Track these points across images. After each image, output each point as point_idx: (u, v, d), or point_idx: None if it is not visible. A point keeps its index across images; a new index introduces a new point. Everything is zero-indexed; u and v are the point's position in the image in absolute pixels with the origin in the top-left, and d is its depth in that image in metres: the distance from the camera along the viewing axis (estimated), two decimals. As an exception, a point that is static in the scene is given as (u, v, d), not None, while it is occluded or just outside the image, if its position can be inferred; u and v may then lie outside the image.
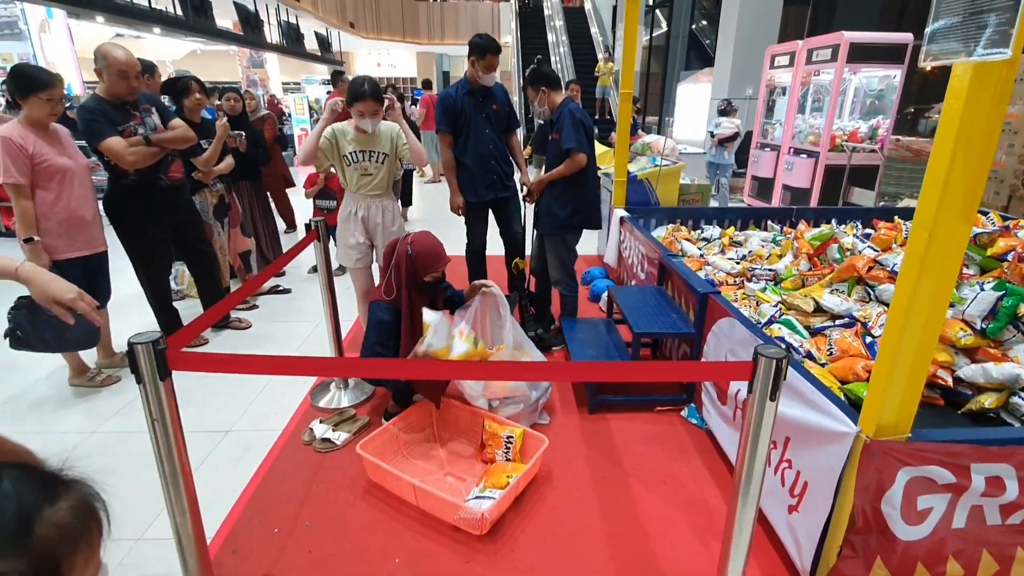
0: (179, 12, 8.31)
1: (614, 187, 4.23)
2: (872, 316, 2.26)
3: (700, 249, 3.53)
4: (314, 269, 4.53)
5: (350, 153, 2.59)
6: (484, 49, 2.97)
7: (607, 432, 2.37)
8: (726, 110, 6.66)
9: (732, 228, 4.01)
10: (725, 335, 2.15)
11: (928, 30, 1.08)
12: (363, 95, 2.46)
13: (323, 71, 16.72)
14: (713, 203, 6.95)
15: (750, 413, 1.09)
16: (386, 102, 2.58)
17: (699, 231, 4.01)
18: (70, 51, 8.86)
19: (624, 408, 2.50)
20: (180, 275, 4.01)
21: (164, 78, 3.56)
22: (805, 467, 1.57)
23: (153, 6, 8.22)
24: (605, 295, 3.64)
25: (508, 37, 17.17)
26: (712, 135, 6.65)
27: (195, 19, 8.45)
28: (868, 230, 3.44)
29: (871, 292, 2.46)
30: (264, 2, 11.25)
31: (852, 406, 1.90)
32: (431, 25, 19.56)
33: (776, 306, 2.56)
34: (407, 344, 2.24)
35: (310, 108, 11.33)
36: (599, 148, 5.71)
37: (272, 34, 11.76)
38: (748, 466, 1.12)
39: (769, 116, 7.58)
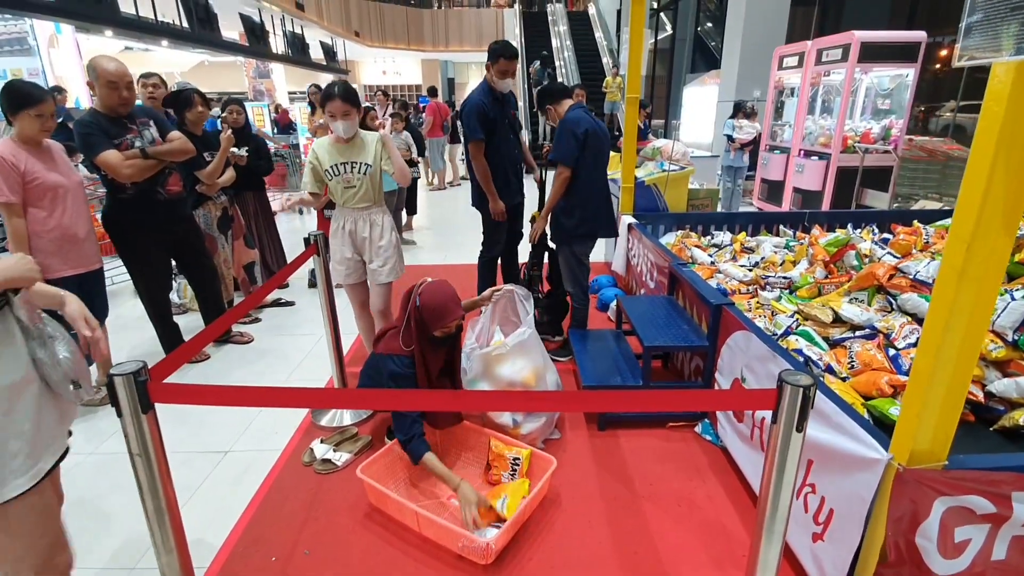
0: (185, 24, 8.34)
1: (621, 193, 4.14)
2: (895, 327, 2.16)
3: (711, 256, 3.44)
4: (313, 283, 4.44)
5: (331, 166, 2.47)
6: (496, 53, 2.99)
7: (618, 450, 2.27)
8: (747, 112, 6.54)
9: (743, 233, 3.92)
10: (740, 349, 2.05)
11: (963, 24, 0.99)
12: (331, 95, 2.36)
13: (328, 80, 16.75)
14: (730, 207, 6.85)
15: (774, 444, 1.00)
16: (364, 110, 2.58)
17: (709, 237, 3.92)
18: (79, 65, 8.92)
19: (635, 424, 2.40)
20: (182, 289, 3.97)
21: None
22: (830, 493, 1.48)
23: (160, 19, 8.26)
24: (614, 304, 3.55)
25: (512, 43, 17.15)
26: (730, 138, 6.54)
27: (201, 31, 8.47)
28: (886, 234, 3.33)
29: (893, 301, 2.36)
30: (269, 13, 11.30)
31: (877, 424, 1.81)
32: (436, 32, 19.59)
33: (792, 316, 2.46)
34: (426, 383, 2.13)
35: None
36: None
37: (278, 44, 11.80)
38: (773, 500, 1.03)
39: (778, 118, 7.46)
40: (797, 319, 2.44)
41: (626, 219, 3.97)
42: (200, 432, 2.47)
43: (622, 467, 2.17)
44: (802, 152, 6.60)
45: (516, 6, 18.19)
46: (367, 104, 6.09)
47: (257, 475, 2.20)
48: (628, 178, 4.07)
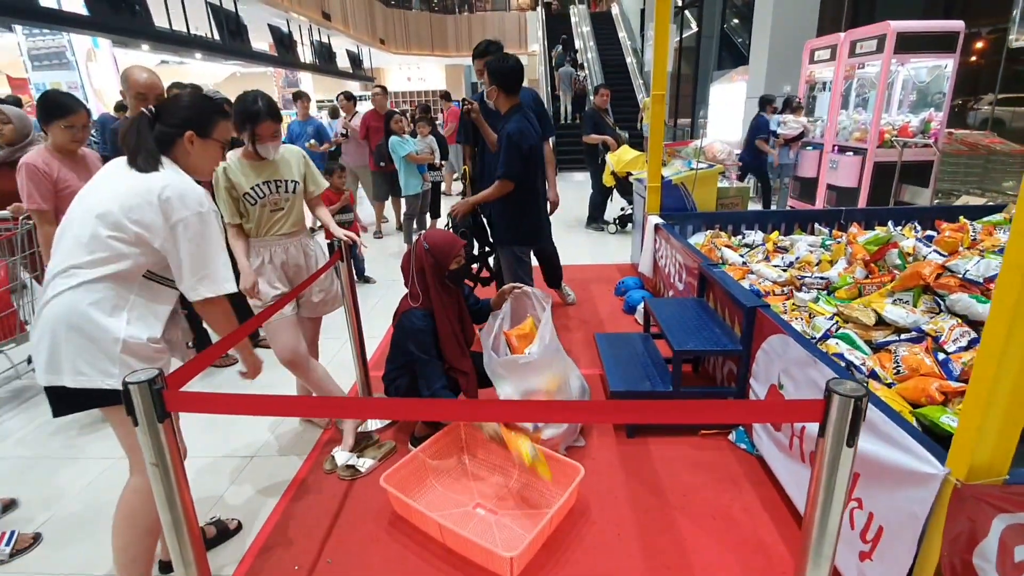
0: (217, 37, 8.56)
1: (647, 193, 4.05)
2: (944, 329, 2.03)
3: (742, 256, 3.32)
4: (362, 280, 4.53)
5: (252, 188, 2.08)
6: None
7: (647, 458, 2.19)
8: (793, 107, 6.37)
9: (776, 233, 3.78)
10: (777, 353, 1.95)
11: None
12: (258, 115, 2.01)
13: (355, 87, 17.04)
14: (772, 205, 6.68)
15: (821, 459, 0.93)
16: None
17: (740, 236, 3.79)
18: (116, 78, 9.25)
19: (665, 431, 2.32)
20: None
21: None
22: (879, 509, 1.38)
23: (193, 32, 8.50)
24: (641, 307, 3.47)
25: (535, 45, 17.15)
26: (775, 135, 6.36)
27: (232, 43, 8.69)
28: (929, 231, 3.16)
29: (941, 302, 2.22)
30: (297, 23, 11.53)
31: (927, 433, 1.69)
32: (459, 37, 19.73)
33: (832, 319, 2.33)
34: (449, 342, 2.20)
35: (331, 117, 11.54)
36: (630, 153, 5.55)
37: (305, 54, 12.03)
38: (821, 521, 0.95)
39: (810, 113, 7.23)
40: (836, 321, 2.31)
41: (653, 219, 3.88)
42: (227, 437, 2.48)
43: (652, 477, 2.09)
44: (836, 148, 6.38)
45: (539, 9, 18.17)
46: (394, 110, 6.12)
47: (282, 481, 2.19)
48: (655, 177, 3.98)
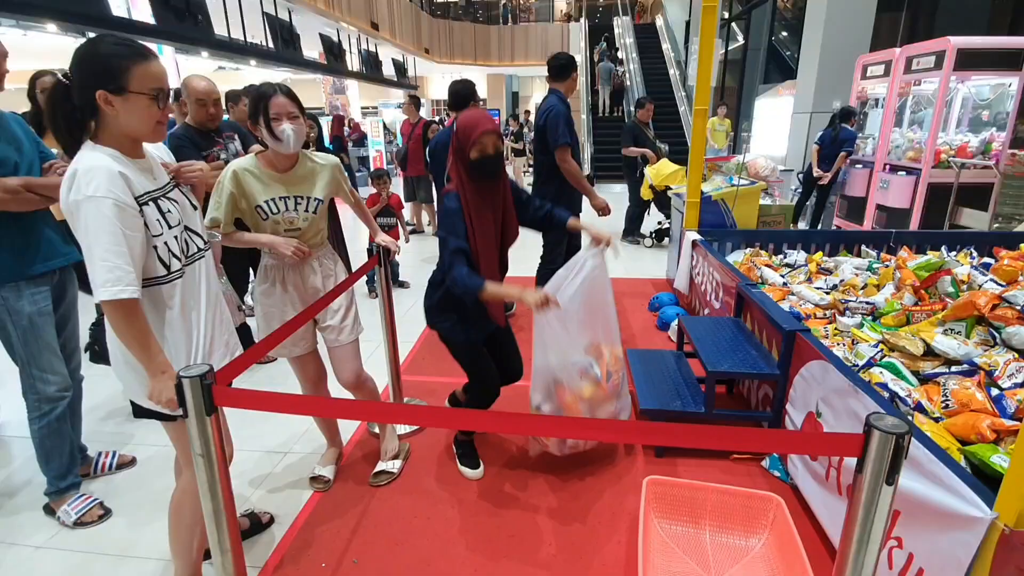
0: (271, 45, 8.93)
1: (686, 208, 4.01)
2: (999, 364, 1.93)
3: (783, 277, 3.24)
4: (372, 291, 4.62)
5: (265, 202, 1.82)
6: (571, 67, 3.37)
7: (676, 479, 2.16)
8: (849, 123, 6.21)
9: (819, 253, 3.66)
10: (816, 380, 1.90)
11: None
12: (270, 91, 1.77)
13: (399, 95, 17.43)
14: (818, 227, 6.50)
15: (859, 497, 0.90)
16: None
17: (781, 256, 3.69)
18: (177, 82, 9.76)
19: (696, 453, 2.28)
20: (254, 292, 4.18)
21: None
22: (920, 551, 1.32)
23: (249, 41, 8.89)
24: (675, 324, 3.42)
25: (577, 56, 17.17)
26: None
27: (285, 51, 9.04)
28: (986, 259, 3.02)
29: (996, 335, 2.11)
30: (347, 33, 11.90)
31: (975, 472, 1.61)
32: (502, 47, 19.95)
33: (876, 346, 2.25)
34: (477, 241, 1.91)
35: (385, 129, 11.88)
36: (669, 167, 5.49)
37: (353, 62, 12.39)
38: (855, 560, 0.92)
39: (861, 130, 7.00)
40: (881, 349, 2.23)
41: (690, 235, 3.83)
42: (262, 433, 2.57)
43: (680, 498, 2.05)
44: (887, 167, 6.15)
45: (583, 20, 18.23)
46: (434, 119, 6.25)
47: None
48: (694, 193, 3.93)
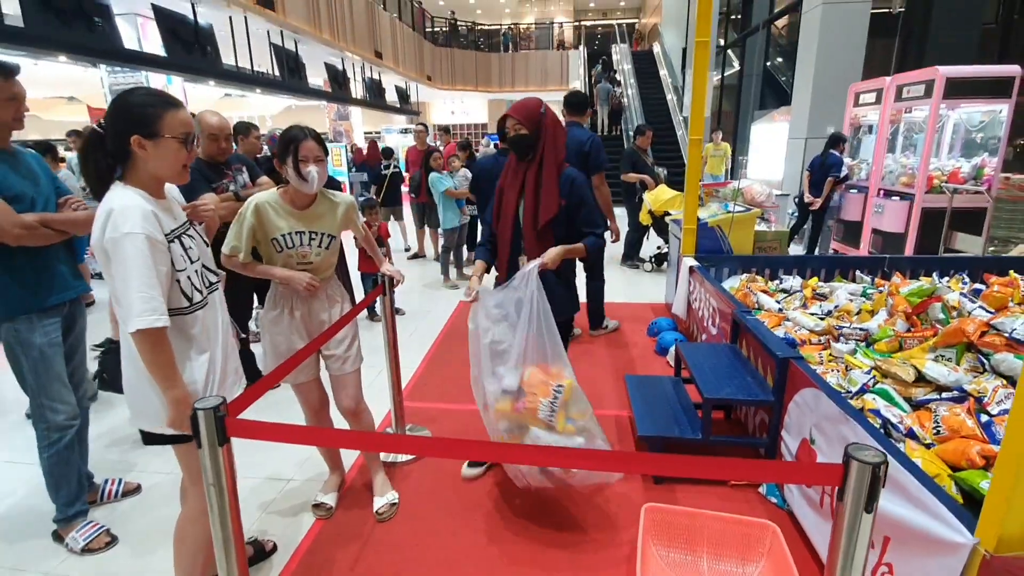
0: (277, 74, 9.18)
1: (683, 234, 4.09)
2: (988, 390, 1.97)
3: (779, 303, 3.29)
4: (373, 316, 4.67)
5: (283, 236, 1.91)
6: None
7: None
8: (837, 149, 6.35)
9: (815, 279, 3.73)
10: (809, 407, 1.94)
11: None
12: (300, 135, 1.87)
13: (401, 121, 17.78)
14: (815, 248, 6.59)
15: (840, 524, 0.95)
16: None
17: (777, 282, 3.76)
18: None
19: (693, 479, 2.30)
20: (260, 319, 4.25)
21: (263, 132, 3.88)
22: (910, 576, 1.35)
23: (256, 70, 9.14)
24: (673, 349, 3.46)
25: (576, 82, 17.54)
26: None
27: (290, 79, 9.28)
28: (977, 285, 3.07)
29: (985, 361, 2.16)
30: (351, 61, 12.21)
31: (966, 499, 1.65)
32: (502, 74, 20.39)
33: (869, 372, 2.30)
34: (495, 212, 2.29)
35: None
36: (667, 192, 5.60)
37: (357, 89, 12.68)
38: (839, 586, 0.96)
39: (854, 155, 7.14)
40: (874, 375, 2.28)
41: (687, 261, 3.90)
42: (266, 460, 2.60)
43: (679, 524, 2.08)
44: (882, 192, 6.26)
45: (581, 47, 18.66)
46: (434, 147, 6.39)
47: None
48: (691, 219, 4.02)
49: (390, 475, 2.41)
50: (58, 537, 2.07)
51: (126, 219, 1.30)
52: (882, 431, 1.90)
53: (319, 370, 2.18)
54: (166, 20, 6.41)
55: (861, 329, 2.72)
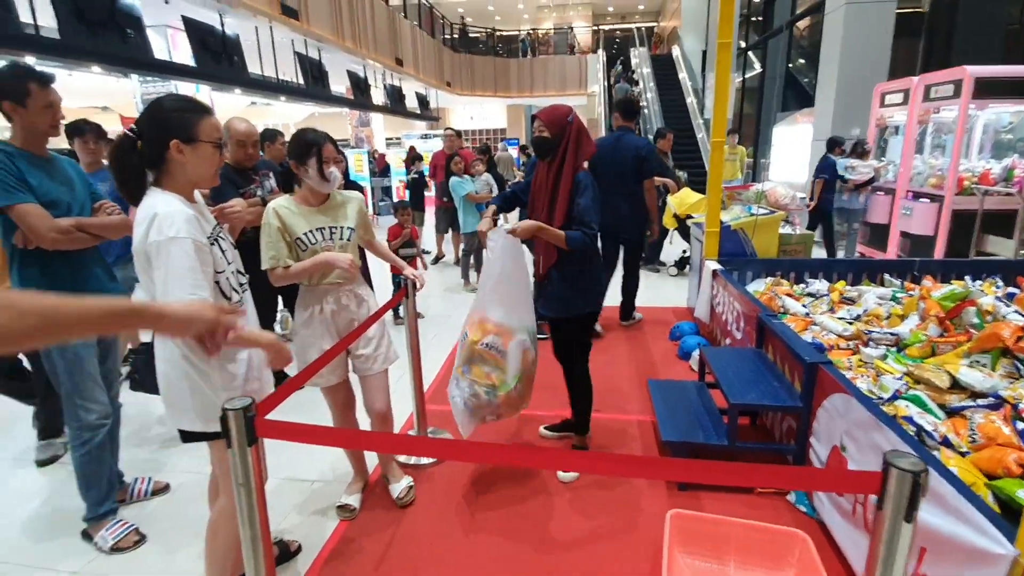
0: (301, 81, 9.34)
1: (705, 237, 4.04)
2: (1025, 397, 1.91)
3: (805, 307, 3.23)
4: (398, 318, 4.71)
5: (305, 234, 1.96)
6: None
7: (699, 512, 2.15)
8: (859, 152, 6.24)
9: (842, 282, 3.65)
10: (839, 413, 1.90)
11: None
12: (321, 139, 1.95)
13: (421, 126, 17.95)
14: (840, 253, 6.47)
15: (879, 533, 0.92)
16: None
17: (803, 285, 3.69)
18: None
19: (719, 486, 2.26)
20: (285, 320, 4.31)
21: (287, 139, 3.94)
22: (949, 589, 1.31)
23: (280, 78, 9.31)
24: (696, 354, 3.42)
25: (595, 87, 17.52)
26: (843, 179, 6.23)
27: (314, 87, 9.43)
28: (1012, 288, 2.98)
29: (1021, 367, 2.09)
30: (372, 69, 12.37)
31: (1003, 508, 1.59)
32: (521, 79, 20.45)
33: (901, 378, 2.24)
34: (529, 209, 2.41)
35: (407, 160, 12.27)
36: (693, 196, 5.55)
37: (378, 96, 12.83)
38: (877, 597, 0.93)
39: (880, 157, 6.99)
40: (906, 382, 2.22)
41: (711, 264, 3.85)
42: (294, 460, 2.63)
43: (704, 532, 2.04)
44: (910, 194, 6.11)
45: (600, 51, 18.64)
46: (456, 152, 6.42)
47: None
48: (713, 222, 3.97)
49: (415, 475, 2.43)
50: (87, 536, 2.12)
51: (172, 223, 1.33)
52: (916, 438, 1.84)
53: (348, 371, 2.21)
54: (195, 31, 6.57)
55: (892, 334, 2.66)
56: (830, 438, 2.01)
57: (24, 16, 4.65)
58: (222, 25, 7.06)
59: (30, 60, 4.76)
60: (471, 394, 2.15)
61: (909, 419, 1.98)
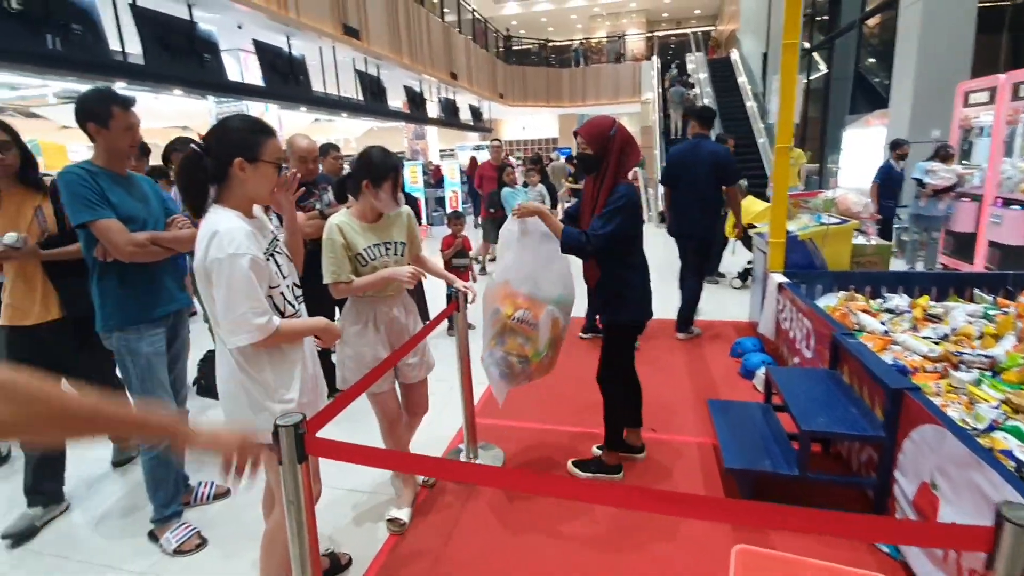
0: (361, 98, 9.70)
1: (770, 249, 3.83)
2: None
3: (884, 324, 2.98)
4: (452, 330, 4.72)
5: (365, 250, 2.01)
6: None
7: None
8: (942, 155, 5.84)
9: (925, 297, 3.34)
10: (930, 447, 1.71)
11: None
12: (399, 164, 2.03)
13: (474, 138, 18.22)
14: (919, 266, 6.05)
15: (992, 599, 0.79)
16: None
17: (880, 300, 3.41)
18: (281, 134, 10.80)
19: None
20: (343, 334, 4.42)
21: (345, 153, 4.08)
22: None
23: (342, 95, 9.71)
24: (761, 372, 3.23)
25: (649, 94, 17.22)
26: (921, 184, 5.82)
27: (373, 103, 9.77)
28: None
29: None
30: (428, 83, 12.69)
31: None
32: (573, 89, 20.40)
33: (998, 407, 2.01)
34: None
35: (461, 172, 12.46)
36: (758, 204, 5.29)
37: (432, 109, 13.14)
38: (991, 672, 0.80)
39: (965, 159, 6.44)
40: (1004, 411, 1.99)
41: (776, 277, 3.64)
42: (346, 470, 2.63)
43: (772, 569, 1.89)
44: (999, 200, 5.58)
45: (654, 58, 18.33)
46: (507, 163, 6.44)
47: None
48: (779, 232, 3.76)
49: (465, 491, 2.41)
50: (154, 537, 2.21)
51: (231, 240, 1.37)
52: (1017, 475, 1.63)
53: (395, 379, 2.25)
54: (265, 53, 6.96)
55: (985, 356, 2.40)
56: (918, 473, 1.81)
57: (113, 45, 5.06)
58: (289, 47, 7.45)
59: (120, 85, 5.17)
60: (506, 365, 2.29)
61: (1008, 453, 1.76)
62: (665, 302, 4.21)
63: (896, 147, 6.19)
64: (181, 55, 5.64)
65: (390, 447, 2.26)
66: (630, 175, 2.31)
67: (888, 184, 6.20)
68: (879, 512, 2.03)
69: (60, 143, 9.27)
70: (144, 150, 3.51)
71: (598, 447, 2.66)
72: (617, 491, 1.01)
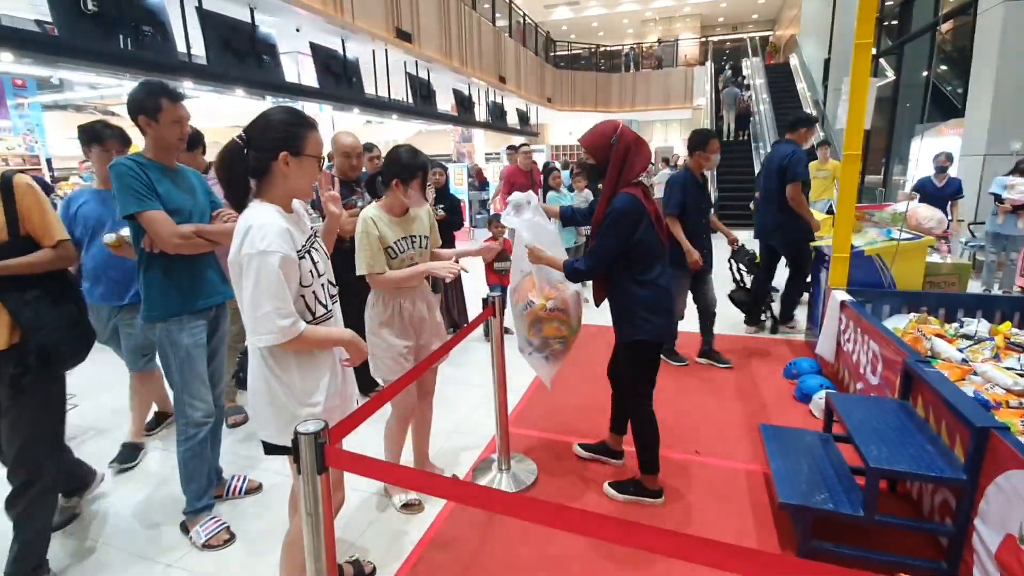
0: (411, 101, 9.83)
1: (832, 263, 3.57)
2: None
3: (961, 351, 2.70)
4: (488, 334, 4.64)
5: (395, 243, 2.11)
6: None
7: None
8: (1022, 169, 5.39)
9: (1007, 324, 3.02)
10: (1020, 496, 1.49)
11: None
12: (427, 163, 2.13)
13: (520, 142, 18.17)
14: (995, 288, 5.59)
15: None
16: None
17: (956, 325, 3.11)
18: (330, 136, 11.09)
19: (850, 562, 1.89)
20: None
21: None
22: None
23: (392, 98, 9.87)
24: (819, 398, 2.99)
25: (701, 99, 16.76)
26: (999, 199, 5.39)
27: (422, 105, 9.87)
28: None
29: None
30: (476, 87, 12.74)
31: None
32: (623, 94, 20.08)
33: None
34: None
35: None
36: (817, 215, 4.96)
37: (480, 112, 13.18)
38: None
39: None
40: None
41: (838, 294, 3.38)
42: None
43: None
44: (1096, 219, 5.06)
45: (708, 63, 17.85)
46: (553, 165, 6.34)
47: (422, 522, 2.25)
48: (843, 246, 3.50)
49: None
50: (185, 528, 2.21)
51: (263, 236, 1.34)
52: None
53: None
54: (320, 55, 7.12)
55: (1085, 394, 2.12)
56: (1003, 523, 1.59)
57: (180, 47, 5.28)
58: (343, 49, 7.59)
59: (187, 85, 5.40)
60: (549, 350, 2.43)
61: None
62: (721, 318, 4.01)
63: (936, 159, 5.80)
64: (242, 56, 5.82)
65: (396, 437, 2.36)
66: (648, 180, 2.19)
67: (923, 200, 5.72)
68: (953, 563, 1.81)
69: (136, 141, 9.79)
70: (196, 141, 3.36)
71: (610, 484, 2.43)
72: (656, 536, 0.89)
